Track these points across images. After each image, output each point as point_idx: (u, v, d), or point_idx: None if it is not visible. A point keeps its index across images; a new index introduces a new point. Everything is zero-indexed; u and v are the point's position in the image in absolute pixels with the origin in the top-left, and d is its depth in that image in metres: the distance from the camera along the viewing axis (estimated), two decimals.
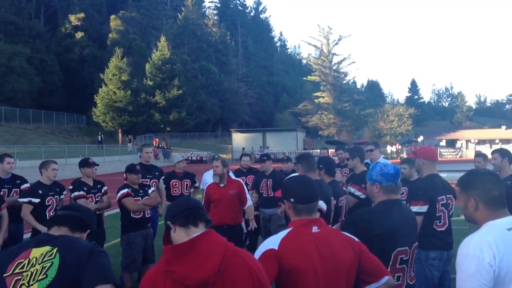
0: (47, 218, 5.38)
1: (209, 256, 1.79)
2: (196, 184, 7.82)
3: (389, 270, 2.65)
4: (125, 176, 6.03)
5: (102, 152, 34.19)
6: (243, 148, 44.74)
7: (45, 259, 1.92)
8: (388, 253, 2.68)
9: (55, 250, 1.96)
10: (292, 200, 2.35)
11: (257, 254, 2.23)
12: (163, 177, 7.49)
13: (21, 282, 1.88)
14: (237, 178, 6.27)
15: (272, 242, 2.25)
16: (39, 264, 1.91)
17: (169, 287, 1.75)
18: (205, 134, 70.41)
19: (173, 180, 7.72)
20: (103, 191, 6.19)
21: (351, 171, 6.73)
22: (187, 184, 7.69)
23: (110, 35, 63.89)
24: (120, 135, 52.16)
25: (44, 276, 1.88)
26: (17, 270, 1.89)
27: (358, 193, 5.01)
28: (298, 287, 2.18)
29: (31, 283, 1.87)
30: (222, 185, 5.90)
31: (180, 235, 1.90)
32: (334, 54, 71.19)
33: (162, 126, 54.71)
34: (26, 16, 55.77)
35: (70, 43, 59.53)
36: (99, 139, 44.52)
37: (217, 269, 1.76)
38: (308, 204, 2.34)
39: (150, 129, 55.48)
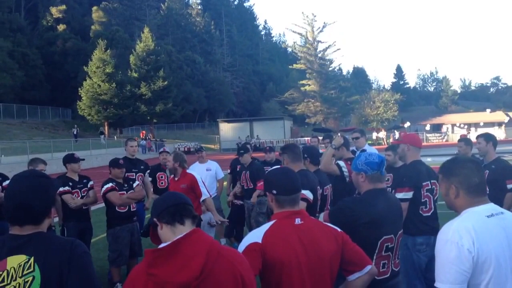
0: None
1: (192, 259, 1.75)
2: None
3: (375, 257, 2.69)
4: (109, 170, 5.99)
5: (88, 145, 33.88)
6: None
7: (25, 272, 1.82)
8: (374, 241, 2.71)
9: (32, 260, 1.83)
10: (274, 192, 2.34)
11: (241, 247, 2.22)
12: (148, 170, 7.44)
13: None
14: (191, 172, 6.07)
15: (256, 236, 2.24)
16: (19, 277, 1.81)
17: None
18: (192, 125, 70.18)
19: (159, 173, 7.67)
20: (89, 186, 6.13)
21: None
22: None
23: (92, 27, 63.21)
24: (106, 128, 51.75)
25: None
26: None
27: (344, 168, 5.03)
28: (282, 280, 2.18)
29: None
30: (176, 178, 5.90)
31: (166, 234, 1.88)
32: (319, 41, 70.93)
33: (148, 118, 54.41)
34: (6, 9, 54.82)
35: (52, 36, 58.72)
36: (74, 133, 43.66)
37: (200, 272, 1.73)
38: (291, 196, 2.34)
39: (137, 121, 55.14)
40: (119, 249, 5.79)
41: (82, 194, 6.03)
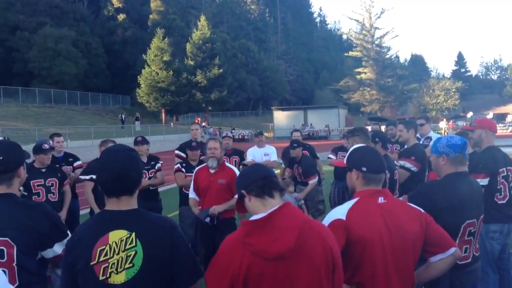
0: None
1: (286, 231, 1.81)
2: (245, 161, 7.86)
3: (457, 242, 2.63)
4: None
5: (147, 131, 34.91)
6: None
7: (127, 247, 1.88)
8: (457, 225, 2.66)
9: (133, 236, 1.90)
10: (364, 169, 2.31)
11: (325, 223, 2.23)
12: None
13: (109, 270, 1.86)
14: (231, 166, 5.33)
15: (340, 212, 2.25)
16: (122, 251, 1.88)
17: (247, 258, 1.79)
18: (246, 113, 70.63)
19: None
20: (156, 167, 6.30)
21: (402, 146, 6.62)
22: (235, 161, 7.70)
23: (150, 16, 64.59)
24: (163, 115, 53.11)
25: (131, 265, 1.87)
26: (102, 258, 1.87)
27: (408, 165, 4.95)
28: (364, 258, 2.18)
29: (119, 270, 1.87)
30: (212, 171, 4.88)
31: (256, 206, 1.94)
32: (376, 28, 69.32)
33: (203, 105, 55.33)
34: None
35: (112, 26, 60.71)
36: (122, 118, 44.35)
37: (295, 243, 1.79)
38: (378, 174, 2.32)
39: (192, 108, 56.22)
40: (182, 227, 5.95)
41: (150, 176, 6.20)
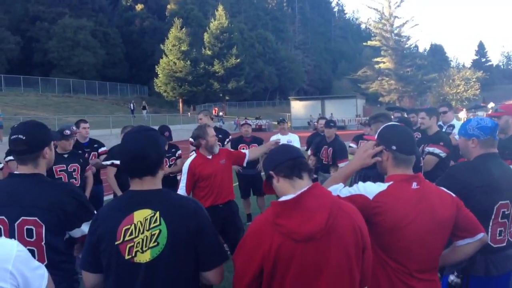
0: None
1: (317, 212, 1.78)
2: None
3: (491, 224, 2.58)
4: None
5: (165, 121, 35.08)
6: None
7: (152, 226, 1.89)
8: (490, 206, 2.58)
9: (157, 214, 1.91)
10: (394, 148, 2.21)
11: (345, 192, 2.16)
12: (227, 140, 7.53)
13: (135, 249, 1.87)
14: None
15: (367, 191, 2.15)
16: (147, 230, 1.89)
17: (276, 239, 1.77)
18: (263, 103, 70.50)
19: (240, 145, 7.77)
20: (177, 155, 6.32)
21: (423, 133, 6.54)
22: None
23: (168, 6, 64.66)
24: (180, 104, 53.30)
25: (156, 243, 1.88)
26: (127, 238, 1.88)
27: (438, 151, 4.92)
28: (393, 242, 2.12)
29: (144, 249, 1.88)
30: (210, 156, 4.72)
31: (285, 187, 1.90)
32: (395, 17, 68.19)
33: (220, 95, 55.37)
34: None
35: (131, 16, 61.04)
36: (131, 107, 42.93)
37: (325, 224, 1.76)
38: (409, 156, 2.23)
39: (209, 98, 56.33)
40: None
41: (170, 163, 6.22)
